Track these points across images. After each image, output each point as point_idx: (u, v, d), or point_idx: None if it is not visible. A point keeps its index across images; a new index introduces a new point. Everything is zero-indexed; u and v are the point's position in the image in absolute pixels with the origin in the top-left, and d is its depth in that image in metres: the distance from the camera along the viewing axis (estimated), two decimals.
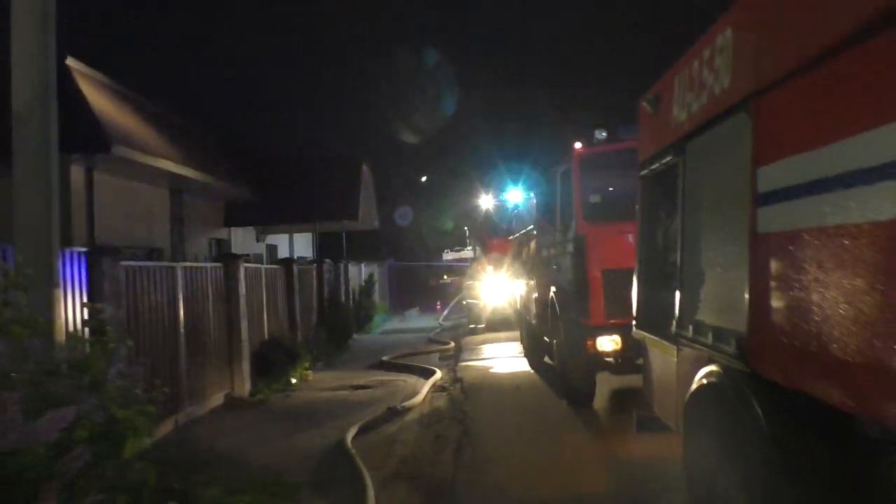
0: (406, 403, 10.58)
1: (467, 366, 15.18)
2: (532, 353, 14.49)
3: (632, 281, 9.17)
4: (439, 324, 25.82)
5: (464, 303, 26.87)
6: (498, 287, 21.19)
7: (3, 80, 5.75)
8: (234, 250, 18.02)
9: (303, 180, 21.53)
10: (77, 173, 12.78)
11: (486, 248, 23.31)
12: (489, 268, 22.34)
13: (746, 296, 3.53)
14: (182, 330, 9.92)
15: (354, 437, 8.76)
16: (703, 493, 4.08)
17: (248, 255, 18.20)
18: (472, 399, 11.32)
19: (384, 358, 15.92)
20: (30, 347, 4.11)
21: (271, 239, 24.91)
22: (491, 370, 14.55)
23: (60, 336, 5.57)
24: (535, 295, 12.89)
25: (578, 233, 9.56)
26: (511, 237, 17.78)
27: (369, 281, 26.13)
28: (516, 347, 17.17)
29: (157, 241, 15.78)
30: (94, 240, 12.67)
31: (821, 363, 2.91)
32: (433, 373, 13.43)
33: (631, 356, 9.54)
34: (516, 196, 19.14)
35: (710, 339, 4.06)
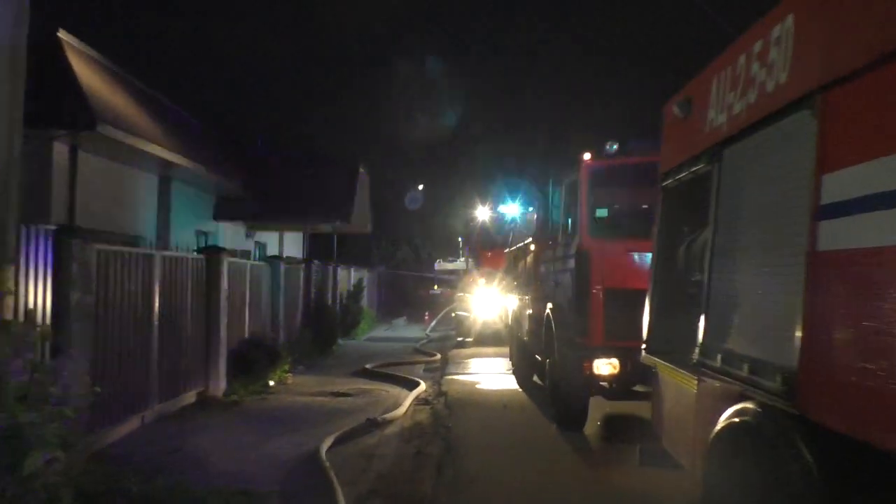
0: (387, 415, 10.05)
1: (453, 379, 14.65)
2: (521, 371, 13.99)
3: (635, 303, 8.71)
4: (426, 334, 25.32)
5: (453, 315, 26.38)
6: (489, 300, 20.77)
7: None
8: (222, 245, 17.41)
9: (297, 178, 21.04)
10: (60, 151, 12.22)
11: (480, 260, 22.86)
12: (481, 280, 21.89)
13: (799, 324, 3.02)
14: (156, 322, 9.36)
15: (330, 448, 8.23)
16: None
17: (234, 250, 17.68)
18: (456, 415, 10.79)
19: (368, 366, 15.40)
20: None
21: (261, 236, 24.37)
22: (477, 386, 14.02)
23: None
24: (530, 311, 12.39)
25: (582, 248, 9.06)
26: (506, 250, 17.30)
27: (358, 286, 25.58)
28: (505, 364, 16.67)
29: (141, 229, 15.21)
30: (74, 221, 12.09)
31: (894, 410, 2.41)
32: (417, 384, 12.91)
33: (627, 382, 9.06)
34: (513, 209, 18.69)
35: (744, 372, 3.56)
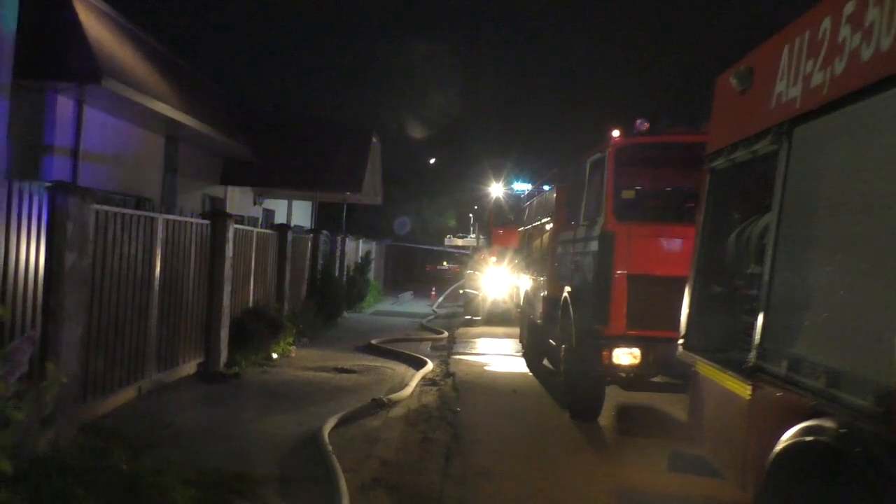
0: (392, 396, 9.64)
1: (461, 360, 14.23)
2: (532, 354, 13.56)
3: (660, 291, 8.31)
4: (433, 310, 24.91)
5: (461, 292, 25.97)
6: (500, 279, 20.34)
7: None
8: (228, 210, 16.97)
9: (308, 145, 20.50)
10: (64, 105, 11.75)
11: (492, 238, 22.38)
12: (492, 258, 21.43)
13: None
14: (156, 288, 8.94)
15: (333, 430, 7.83)
16: None
17: (241, 216, 17.24)
18: (464, 399, 10.37)
19: (373, 341, 15.00)
20: None
21: (269, 203, 23.91)
22: (486, 368, 13.60)
23: None
24: (545, 293, 11.92)
25: (606, 230, 8.56)
26: (520, 228, 16.80)
27: (366, 258, 25.16)
28: (514, 345, 16.24)
29: (146, 190, 14.75)
30: (76, 179, 11.65)
31: None
32: (424, 363, 12.50)
33: (647, 373, 8.59)
34: (529, 187, 18.20)
35: (819, 383, 3.09)
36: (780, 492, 3.19)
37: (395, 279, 35.37)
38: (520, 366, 13.75)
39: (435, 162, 41.79)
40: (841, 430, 2.82)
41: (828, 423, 2.93)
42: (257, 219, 21.67)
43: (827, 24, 3.44)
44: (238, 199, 20.55)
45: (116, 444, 6.94)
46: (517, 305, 16.59)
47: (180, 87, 15.19)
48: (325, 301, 17.80)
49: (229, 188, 19.78)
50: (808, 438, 2.98)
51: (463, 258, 30.17)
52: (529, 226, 15.00)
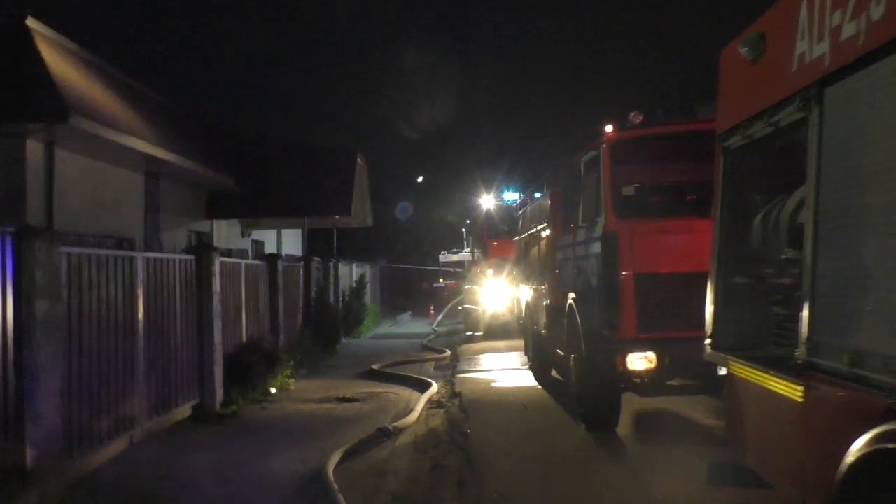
0: (398, 423, 9.18)
1: (466, 378, 13.76)
2: (539, 366, 13.11)
3: (671, 289, 7.88)
4: (433, 329, 24.52)
5: (460, 308, 25.56)
6: (498, 292, 19.98)
7: None
8: (216, 244, 16.56)
9: (293, 171, 20.08)
10: (35, 148, 11.31)
11: (487, 251, 21.99)
12: (489, 271, 21.06)
13: None
14: (141, 331, 8.48)
15: (338, 465, 7.39)
16: None
17: (229, 249, 16.81)
18: (473, 419, 9.91)
19: (374, 366, 14.54)
20: None
21: (258, 234, 23.46)
22: (493, 384, 13.13)
23: None
24: (547, 302, 11.49)
25: (608, 229, 8.14)
26: (515, 238, 16.40)
27: (360, 282, 24.75)
28: (518, 358, 15.80)
29: (128, 230, 14.31)
30: (52, 224, 11.19)
31: None
32: (429, 385, 12.04)
33: (663, 377, 8.14)
34: (521, 195, 17.86)
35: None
36: None
37: (393, 301, 34.98)
38: (527, 379, 13.29)
39: (423, 179, 41.44)
40: None
41: None
42: (246, 251, 21.35)
43: None
44: (225, 233, 20.10)
45: (109, 500, 6.50)
46: (518, 317, 16.18)
47: (156, 122, 14.78)
48: (322, 329, 17.41)
49: (215, 222, 19.33)
50: (892, 445, 2.55)
51: (460, 273, 29.72)
52: (525, 234, 14.61)
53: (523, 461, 7.81)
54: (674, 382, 8.32)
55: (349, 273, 24.72)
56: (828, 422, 3.12)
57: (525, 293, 14.48)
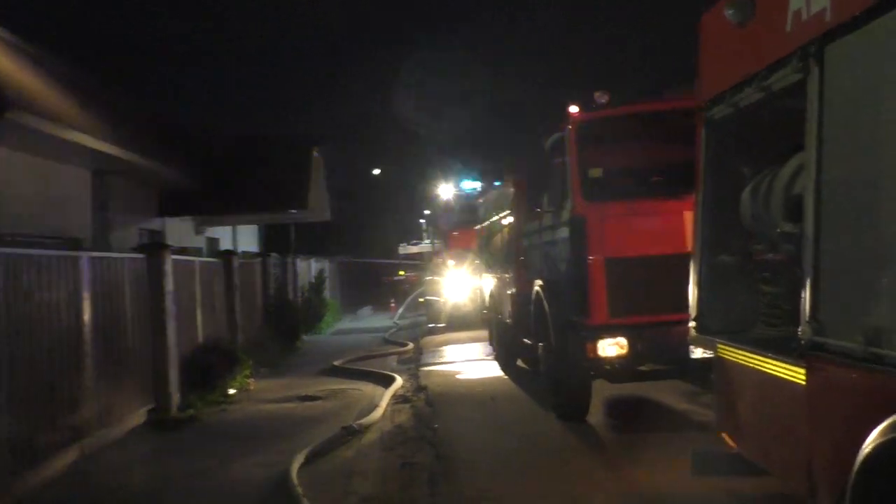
0: (363, 420, 8.87)
1: (430, 371, 13.51)
2: (504, 356, 12.90)
3: (641, 272, 7.68)
4: (395, 323, 24.24)
5: (421, 300, 25.30)
6: (460, 282, 19.77)
7: None
8: (169, 242, 16.00)
9: (247, 166, 19.48)
10: None
11: (447, 241, 21.73)
12: (450, 262, 20.82)
13: None
14: (88, 335, 8.04)
15: (302, 467, 7.06)
16: None
17: (183, 247, 16.25)
18: (440, 413, 9.64)
19: (336, 363, 14.20)
20: None
21: (212, 231, 22.80)
22: (458, 376, 12.89)
23: None
24: (512, 290, 11.26)
25: (576, 213, 7.91)
26: (477, 227, 16.16)
27: (320, 277, 24.36)
28: (482, 349, 15.59)
29: (75, 230, 13.67)
30: None
31: None
32: (393, 380, 11.74)
33: (634, 363, 7.95)
34: (480, 184, 17.65)
35: None
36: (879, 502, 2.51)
37: (353, 296, 34.61)
38: (493, 370, 13.07)
39: (380, 172, 40.97)
40: None
41: None
42: (201, 249, 20.73)
43: None
44: (178, 231, 19.45)
45: None
46: (481, 308, 15.96)
47: (105, 117, 14.15)
48: (282, 326, 17.06)
49: (168, 220, 18.67)
50: None
51: (421, 265, 29.44)
52: (487, 223, 14.36)
53: (497, 456, 7.56)
54: (644, 367, 8.14)
55: (308, 269, 24.32)
56: (837, 407, 2.89)
57: (488, 283, 14.25)
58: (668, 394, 9.23)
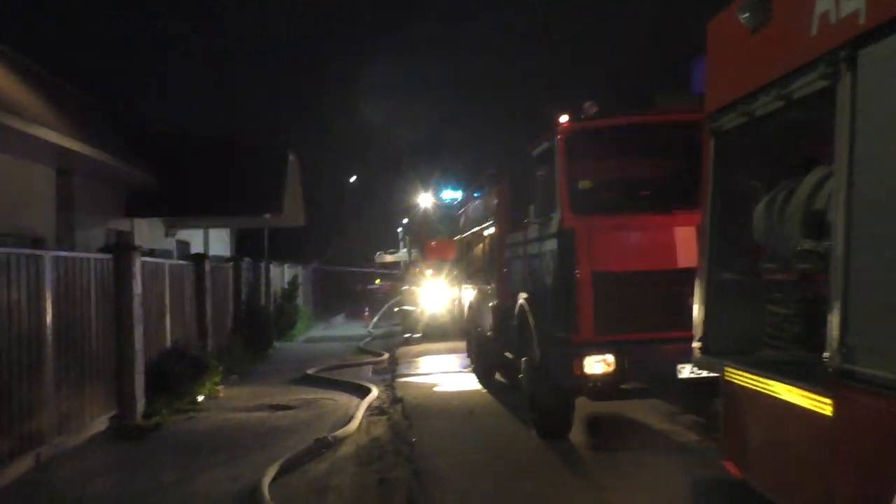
0: (338, 433, 8.53)
1: (407, 382, 13.18)
2: (483, 369, 12.61)
3: (630, 288, 7.43)
4: (369, 332, 23.86)
5: (396, 310, 24.95)
6: (437, 293, 19.47)
7: None
8: (138, 244, 15.56)
9: (220, 168, 19.07)
10: None
11: (425, 251, 21.44)
12: (427, 271, 20.52)
13: None
14: (49, 337, 7.64)
15: (273, 482, 6.72)
16: None
17: (152, 249, 15.80)
18: (418, 427, 9.32)
19: (309, 371, 13.84)
20: None
21: (184, 234, 22.32)
22: (435, 388, 12.58)
23: None
24: (494, 303, 10.98)
25: (563, 226, 7.66)
26: (456, 238, 15.88)
27: (293, 284, 23.95)
28: (459, 360, 15.28)
29: (38, 230, 13.22)
30: None
31: None
32: (368, 391, 11.40)
33: (620, 381, 7.69)
34: (461, 194, 17.40)
35: None
36: None
37: (326, 303, 34.23)
38: (471, 382, 12.77)
39: (356, 179, 40.59)
40: None
41: None
42: (171, 251, 20.25)
43: None
44: (147, 233, 18.96)
45: None
46: (459, 319, 15.66)
47: (71, 114, 13.74)
48: (253, 333, 16.66)
49: (136, 221, 18.20)
50: None
51: (396, 274, 29.12)
52: (467, 233, 14.08)
53: (476, 473, 7.26)
54: (626, 386, 7.90)
55: (281, 274, 23.92)
56: (868, 441, 2.64)
57: (467, 294, 13.96)
58: (647, 413, 9.02)
